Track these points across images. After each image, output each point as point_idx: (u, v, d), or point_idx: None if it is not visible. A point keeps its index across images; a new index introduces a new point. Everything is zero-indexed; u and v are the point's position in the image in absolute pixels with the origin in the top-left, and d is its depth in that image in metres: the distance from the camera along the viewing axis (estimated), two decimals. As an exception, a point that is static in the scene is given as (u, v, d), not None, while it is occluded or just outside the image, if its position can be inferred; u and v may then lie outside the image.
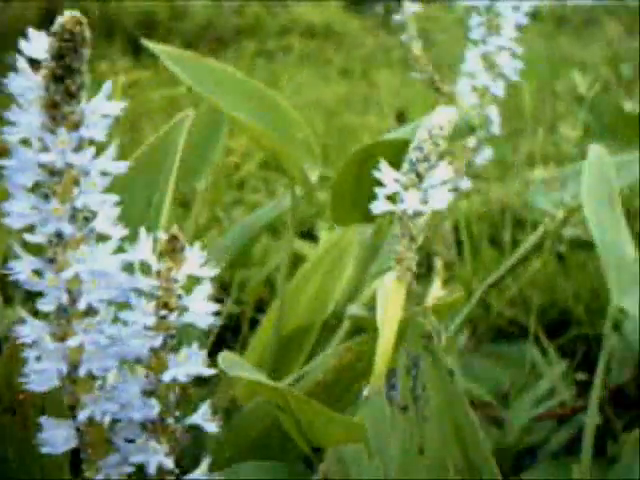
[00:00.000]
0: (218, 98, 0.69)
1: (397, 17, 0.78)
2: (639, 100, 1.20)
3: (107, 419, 0.31)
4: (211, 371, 0.31)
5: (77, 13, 0.29)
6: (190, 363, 0.30)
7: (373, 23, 2.72)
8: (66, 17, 0.29)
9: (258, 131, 0.70)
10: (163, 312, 0.30)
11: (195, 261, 0.31)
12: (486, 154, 0.81)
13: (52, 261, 0.31)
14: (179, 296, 0.31)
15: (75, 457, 0.46)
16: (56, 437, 0.31)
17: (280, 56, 2.28)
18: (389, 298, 0.41)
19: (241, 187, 1.30)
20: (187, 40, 2.44)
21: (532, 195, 0.81)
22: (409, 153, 0.40)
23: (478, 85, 0.71)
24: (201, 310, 0.31)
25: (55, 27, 0.29)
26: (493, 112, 0.77)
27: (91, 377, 0.31)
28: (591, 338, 0.91)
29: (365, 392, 0.34)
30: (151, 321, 0.30)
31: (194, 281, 0.31)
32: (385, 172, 0.40)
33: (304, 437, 0.40)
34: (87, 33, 0.29)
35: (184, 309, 0.31)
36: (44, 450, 0.31)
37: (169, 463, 0.31)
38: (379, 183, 0.41)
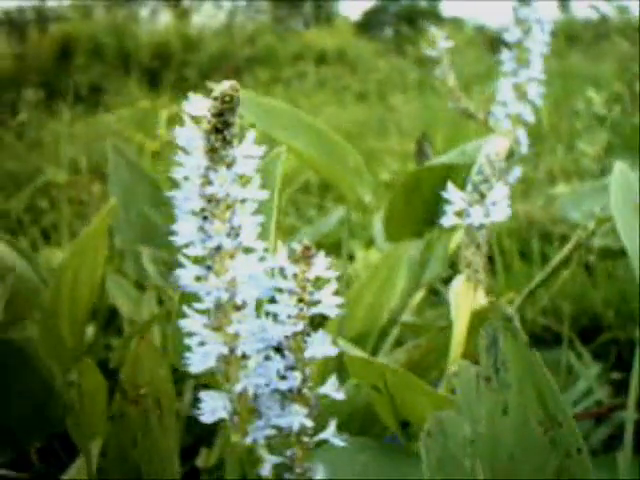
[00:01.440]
0: (274, 131, 0.80)
1: (431, 52, 0.89)
2: None
3: (256, 391, 0.41)
4: (336, 350, 0.41)
5: (234, 82, 0.39)
6: (321, 344, 0.41)
7: (384, 46, 2.85)
8: (226, 85, 0.40)
9: (314, 159, 0.80)
10: (300, 305, 0.41)
11: (322, 265, 0.41)
12: (516, 173, 0.91)
13: (209, 268, 0.41)
14: (311, 292, 0.41)
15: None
16: (213, 407, 0.41)
17: (296, 83, 2.40)
18: (460, 296, 0.52)
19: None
20: (202, 70, 2.57)
21: (562, 208, 0.91)
22: (472, 176, 0.51)
23: (511, 112, 0.82)
24: (330, 303, 0.41)
25: (216, 92, 0.40)
26: (522, 134, 0.88)
27: (244, 357, 0.41)
28: (622, 341, 1.00)
29: (453, 368, 0.44)
30: (293, 312, 0.41)
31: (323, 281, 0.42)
32: (452, 192, 0.51)
33: (395, 412, 0.50)
34: (240, 96, 0.40)
35: (317, 302, 0.41)
36: (201, 419, 0.41)
37: (309, 423, 0.41)
38: (440, 202, 0.52)
